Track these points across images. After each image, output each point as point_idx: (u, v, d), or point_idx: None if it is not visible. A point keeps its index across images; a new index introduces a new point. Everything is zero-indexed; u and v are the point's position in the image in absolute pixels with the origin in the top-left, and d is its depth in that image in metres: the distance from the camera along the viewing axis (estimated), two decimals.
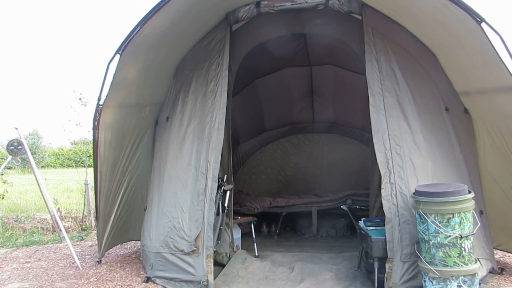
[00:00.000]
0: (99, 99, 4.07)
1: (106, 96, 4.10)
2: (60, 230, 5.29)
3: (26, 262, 5.26)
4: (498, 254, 4.65)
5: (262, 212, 6.21)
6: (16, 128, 5.48)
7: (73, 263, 4.84)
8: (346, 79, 6.51)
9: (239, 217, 4.86)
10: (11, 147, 5.47)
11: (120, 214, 4.94)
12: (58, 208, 8.32)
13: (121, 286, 3.97)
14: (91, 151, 3.99)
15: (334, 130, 7.49)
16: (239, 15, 4.44)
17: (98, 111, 4.10)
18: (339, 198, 6.20)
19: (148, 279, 4.03)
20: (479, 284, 3.29)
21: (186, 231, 3.93)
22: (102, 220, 4.68)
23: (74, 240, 6.82)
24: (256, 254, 4.76)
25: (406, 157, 3.73)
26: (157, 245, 4.07)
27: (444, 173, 3.81)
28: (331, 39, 4.86)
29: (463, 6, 3.21)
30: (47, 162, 35.17)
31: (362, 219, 4.10)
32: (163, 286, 3.88)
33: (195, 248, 3.83)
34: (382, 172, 3.70)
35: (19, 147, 5.46)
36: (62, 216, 8.01)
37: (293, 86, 6.95)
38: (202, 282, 3.67)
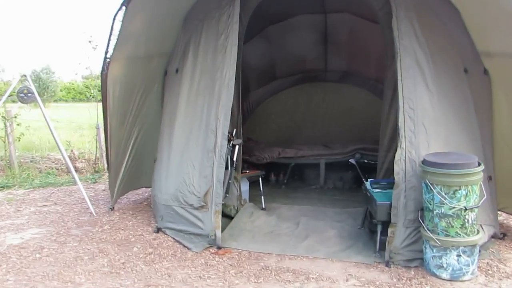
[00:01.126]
0: (106, 53, 4.00)
1: (113, 49, 4.03)
2: (73, 176, 5.41)
3: (43, 205, 5.48)
4: (502, 216, 4.71)
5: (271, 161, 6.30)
6: (25, 75, 5.46)
7: (87, 208, 5.03)
8: (362, 28, 6.22)
9: (247, 171, 4.92)
10: (21, 95, 5.48)
11: (131, 163, 5.04)
12: (71, 151, 8.50)
13: (133, 235, 4.14)
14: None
15: (347, 80, 7.31)
16: None
17: (106, 64, 4.04)
18: (348, 151, 6.20)
19: (158, 230, 4.19)
20: (479, 251, 3.35)
21: (196, 186, 4.02)
22: (113, 170, 4.79)
23: (88, 183, 7.05)
24: (263, 207, 4.88)
25: (419, 122, 3.66)
26: (167, 197, 4.19)
27: (456, 139, 3.75)
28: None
29: None
30: (59, 96, 35.58)
31: (369, 179, 4.12)
32: (173, 237, 4.03)
33: (204, 204, 3.93)
34: (398, 136, 3.65)
35: (29, 94, 5.47)
36: (75, 158, 8.20)
37: (306, 34, 6.67)
38: (210, 236, 3.80)
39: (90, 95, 9.92)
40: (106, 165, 4.86)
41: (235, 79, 4.21)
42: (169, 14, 4.37)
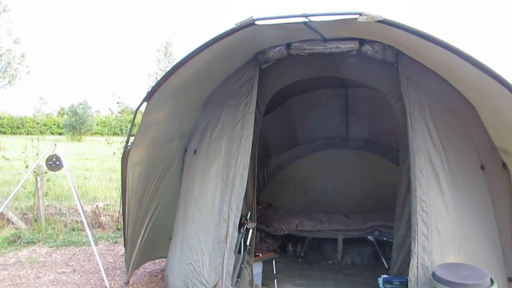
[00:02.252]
0: (127, 142, 4.19)
1: (134, 138, 4.21)
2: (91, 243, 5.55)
3: (62, 272, 5.62)
4: None
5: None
6: (55, 144, 5.76)
7: (103, 280, 5.12)
8: (382, 101, 6.26)
9: (261, 254, 4.91)
10: (50, 162, 5.78)
11: (148, 236, 5.15)
12: (96, 205, 8.75)
13: None
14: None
15: (369, 148, 7.30)
16: (269, 55, 4.35)
17: (127, 152, 4.22)
18: (367, 228, 6.11)
19: None
20: None
21: (206, 276, 4.04)
22: (130, 245, 4.90)
23: (109, 242, 7.20)
24: None
25: (432, 225, 3.59)
26: (178, 284, 4.22)
27: (472, 242, 3.64)
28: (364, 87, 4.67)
29: (500, 80, 2.99)
30: (95, 130, 36.98)
31: (382, 276, 4.02)
32: None
33: None
34: (411, 241, 3.59)
35: (57, 162, 5.77)
36: (99, 213, 8.42)
37: (327, 105, 6.78)
38: None
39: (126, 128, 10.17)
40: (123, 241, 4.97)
41: (251, 159, 4.30)
42: (190, 102, 4.55)
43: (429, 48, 3.30)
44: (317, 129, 7.31)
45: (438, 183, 3.72)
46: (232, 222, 4.08)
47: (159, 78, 3.98)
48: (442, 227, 3.60)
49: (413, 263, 3.51)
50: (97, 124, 38.20)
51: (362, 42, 4.03)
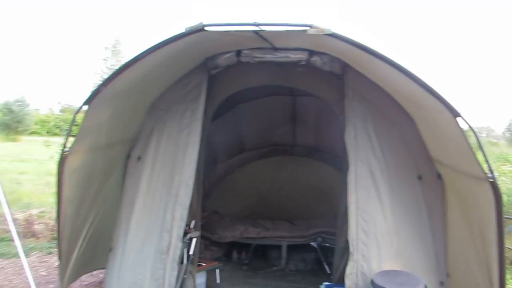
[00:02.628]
0: (64, 146, 3.94)
1: (73, 143, 3.98)
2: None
3: None
4: None
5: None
6: None
7: None
8: (328, 110, 6.42)
9: (204, 264, 4.83)
10: None
11: (86, 247, 4.85)
12: (30, 213, 8.21)
13: None
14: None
15: (314, 155, 7.47)
16: (219, 62, 4.31)
17: (64, 157, 3.97)
18: (310, 234, 6.21)
19: None
20: None
21: None
22: (65, 258, 4.60)
23: (43, 252, 6.77)
24: None
25: (371, 234, 3.72)
26: None
27: (408, 250, 3.81)
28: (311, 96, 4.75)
29: (439, 98, 3.14)
30: (33, 130, 34.78)
31: (324, 284, 4.10)
32: None
33: None
34: (350, 249, 3.68)
35: None
36: (32, 221, 7.90)
37: (275, 112, 6.86)
38: None
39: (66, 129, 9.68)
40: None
41: (197, 166, 4.22)
42: (134, 106, 4.39)
43: (373, 62, 3.41)
44: (264, 135, 7.36)
45: (378, 193, 3.86)
46: (175, 232, 3.97)
47: (105, 77, 3.79)
48: (380, 236, 3.74)
49: (352, 271, 3.60)
50: (36, 123, 36.02)
51: (311, 53, 4.11)
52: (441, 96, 3.12)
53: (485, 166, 3.27)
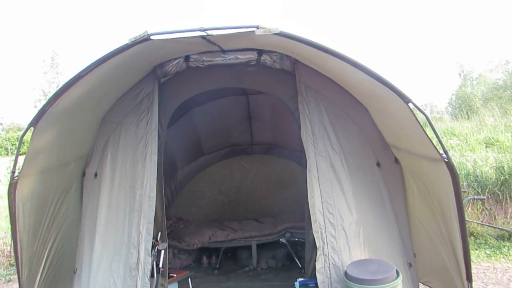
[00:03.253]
0: (13, 172, 3.72)
1: (22, 167, 3.76)
2: None
3: None
4: None
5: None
6: None
7: None
8: (282, 105, 6.45)
9: (175, 275, 4.73)
10: None
11: (47, 272, 4.62)
12: None
13: None
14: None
15: (273, 152, 7.50)
16: (167, 69, 4.21)
17: (14, 183, 3.75)
18: (278, 231, 6.25)
19: None
20: None
21: None
22: (27, 286, 4.37)
23: (1, 280, 6.41)
24: None
25: (338, 226, 3.78)
26: None
27: (375, 237, 3.91)
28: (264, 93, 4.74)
29: (390, 87, 3.22)
30: None
31: (298, 280, 4.13)
32: None
33: None
34: (317, 243, 3.71)
35: None
36: None
37: (230, 113, 6.81)
38: None
39: (12, 148, 9.20)
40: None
41: (157, 177, 4.12)
42: (84, 122, 4.21)
43: (323, 57, 3.45)
44: (222, 137, 7.31)
45: (340, 185, 3.93)
46: (143, 247, 3.87)
47: (45, 90, 3.59)
48: (347, 226, 3.81)
49: (324, 264, 3.65)
50: None
51: (260, 52, 4.10)
52: (391, 84, 3.20)
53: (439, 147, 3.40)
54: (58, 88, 3.41)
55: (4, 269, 6.92)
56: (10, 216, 3.94)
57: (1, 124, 7.65)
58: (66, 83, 3.37)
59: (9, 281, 6.33)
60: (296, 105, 4.31)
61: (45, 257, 4.53)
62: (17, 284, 5.97)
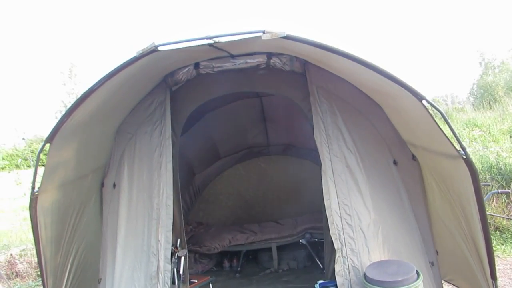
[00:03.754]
0: (32, 188, 3.80)
1: (41, 183, 3.84)
2: None
3: None
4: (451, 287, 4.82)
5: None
6: None
7: None
8: (296, 105, 6.41)
9: (196, 281, 4.76)
10: None
11: (72, 283, 4.71)
12: (10, 254, 7.95)
13: None
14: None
15: (290, 152, 7.47)
16: (178, 77, 4.23)
17: (34, 199, 3.83)
18: (298, 232, 6.22)
19: None
20: None
21: None
22: None
23: None
24: None
25: (356, 227, 3.72)
26: None
27: (394, 237, 3.84)
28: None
29: (403, 85, 3.16)
30: (1, 166, 33.68)
31: (318, 282, 4.09)
32: None
33: None
34: (335, 246, 3.67)
35: None
36: (14, 262, 7.65)
37: (244, 116, 6.81)
38: None
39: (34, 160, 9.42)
40: None
41: (173, 184, 4.15)
42: (100, 134, 4.27)
43: (333, 58, 3.41)
44: (237, 140, 7.32)
45: (357, 185, 3.87)
46: (162, 255, 3.90)
47: (65, 101, 3.65)
48: (365, 227, 3.75)
49: (343, 266, 3.60)
50: (3, 159, 34.83)
51: (269, 55, 4.08)
52: (403, 83, 3.14)
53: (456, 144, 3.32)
54: (72, 103, 3.46)
55: (32, 280, 7.09)
56: (32, 229, 4.03)
57: (24, 139, 7.78)
58: (79, 98, 3.42)
59: None
60: (308, 106, 4.27)
61: (69, 267, 4.62)
62: None
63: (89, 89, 3.35)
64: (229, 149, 7.39)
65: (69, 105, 3.58)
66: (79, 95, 3.43)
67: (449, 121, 3.36)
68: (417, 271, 3.25)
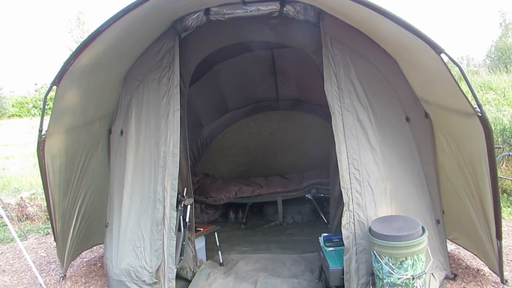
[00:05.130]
0: (40, 131, 3.79)
1: (48, 126, 3.83)
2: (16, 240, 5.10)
3: None
4: (454, 245, 4.87)
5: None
6: None
7: (37, 278, 4.79)
8: (308, 60, 6.24)
9: (202, 229, 4.83)
10: None
11: (80, 226, 4.85)
12: (21, 197, 8.12)
13: None
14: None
15: (299, 108, 7.36)
16: (187, 23, 4.08)
17: (42, 142, 3.84)
18: (304, 187, 6.23)
19: None
20: None
21: (148, 261, 3.89)
22: (61, 239, 4.58)
23: (40, 234, 6.75)
24: (221, 261, 4.81)
25: (364, 182, 3.68)
26: (118, 272, 4.03)
27: (402, 194, 3.80)
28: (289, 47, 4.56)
29: (421, 36, 3.01)
30: (12, 113, 33.95)
31: (322, 235, 4.13)
32: None
33: (156, 280, 3.82)
34: (344, 199, 3.66)
35: None
36: (24, 204, 7.82)
37: (254, 68, 6.66)
38: None
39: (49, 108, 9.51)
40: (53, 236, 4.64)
41: (181, 133, 4.12)
42: (107, 80, 4.20)
43: (350, 6, 3.24)
44: (247, 93, 7.21)
45: (368, 140, 3.80)
46: (168, 202, 3.92)
47: (73, 49, 3.57)
48: (374, 182, 3.71)
49: (349, 220, 3.60)
50: (13, 106, 35.03)
51: (283, 3, 3.90)
52: (422, 34, 2.99)
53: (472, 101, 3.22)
54: (78, 46, 3.37)
55: (42, 223, 7.27)
56: (41, 173, 4.07)
57: (36, 84, 7.77)
58: (85, 40, 3.33)
59: (47, 234, 6.65)
60: (321, 58, 4.13)
61: (77, 212, 4.73)
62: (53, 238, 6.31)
63: (95, 30, 3.25)
64: (238, 102, 7.30)
65: None
66: (85, 38, 3.33)
67: (467, 77, 3.24)
68: (422, 227, 3.24)
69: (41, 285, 4.67)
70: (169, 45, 4.16)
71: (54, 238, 4.55)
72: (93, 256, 5.49)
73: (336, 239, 3.98)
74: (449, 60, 3.12)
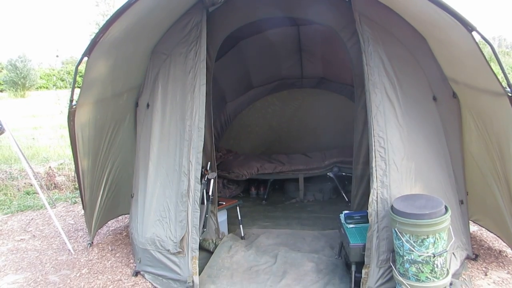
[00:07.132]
0: (71, 101, 3.90)
1: (79, 97, 3.93)
2: (47, 207, 5.31)
3: (21, 239, 5.43)
4: (476, 227, 4.85)
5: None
6: None
7: (65, 243, 5.00)
8: (334, 38, 6.16)
9: (224, 203, 4.93)
10: None
11: (107, 195, 5.02)
12: (49, 167, 8.39)
13: (112, 281, 4.14)
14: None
15: (323, 86, 7.30)
16: None
17: (72, 112, 3.95)
18: (326, 165, 6.25)
19: (137, 273, 4.20)
20: (451, 283, 3.45)
21: (172, 231, 4.01)
22: (89, 208, 4.76)
23: (68, 202, 7.00)
24: (242, 235, 4.92)
25: (390, 160, 3.67)
26: (143, 241, 4.18)
27: (427, 173, 3.79)
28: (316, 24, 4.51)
29: (453, 13, 2.95)
30: (40, 85, 34.71)
31: (344, 212, 4.16)
32: (151, 282, 4.04)
33: (181, 250, 3.94)
34: (371, 177, 3.67)
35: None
36: (53, 174, 8.09)
37: (280, 45, 6.59)
38: (188, 283, 3.82)
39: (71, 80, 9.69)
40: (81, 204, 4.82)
41: (206, 108, 4.17)
42: (135, 53, 4.26)
43: None
44: (271, 70, 7.18)
45: (395, 118, 3.77)
46: (193, 175, 4.00)
47: (100, 23, 3.62)
48: (399, 161, 3.70)
49: (372, 197, 3.61)
50: (41, 78, 35.77)
51: None
52: (454, 11, 2.92)
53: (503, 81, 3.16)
54: (108, 18, 3.42)
55: (70, 192, 7.53)
56: (71, 142, 4.21)
57: (57, 56, 7.88)
58: (116, 12, 3.37)
59: (74, 203, 6.90)
60: (349, 35, 4.10)
61: (104, 182, 4.89)
62: (81, 207, 6.54)
63: (125, 3, 3.29)
64: (262, 79, 7.28)
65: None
66: (116, 10, 3.38)
67: (499, 56, 3.17)
68: (445, 206, 3.23)
69: (69, 250, 4.88)
70: (197, 19, 4.17)
71: (83, 206, 4.72)
72: (118, 226, 5.69)
73: (357, 216, 4.01)
74: (481, 39, 3.05)
